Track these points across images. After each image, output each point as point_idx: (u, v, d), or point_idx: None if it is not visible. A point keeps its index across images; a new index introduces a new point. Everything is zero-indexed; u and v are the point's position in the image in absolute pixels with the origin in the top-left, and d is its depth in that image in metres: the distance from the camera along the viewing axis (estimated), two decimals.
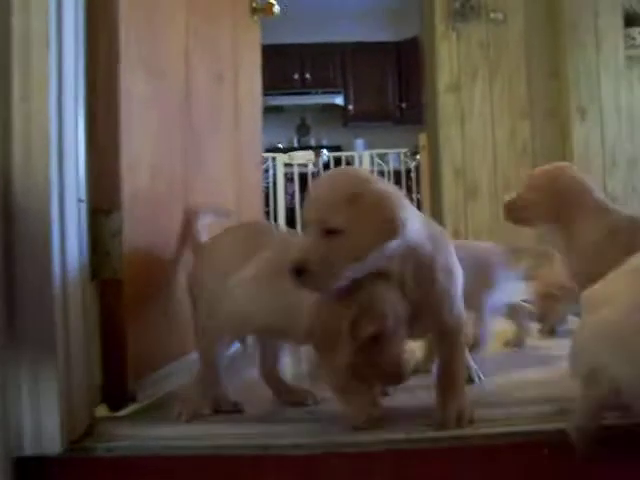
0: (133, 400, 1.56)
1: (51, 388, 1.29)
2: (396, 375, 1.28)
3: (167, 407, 1.57)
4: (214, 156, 2.15)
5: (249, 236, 1.59)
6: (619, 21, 5.31)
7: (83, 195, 1.42)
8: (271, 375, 1.65)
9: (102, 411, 1.50)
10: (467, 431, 1.31)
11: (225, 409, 1.53)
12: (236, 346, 1.76)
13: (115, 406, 1.53)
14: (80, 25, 1.43)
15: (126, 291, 1.53)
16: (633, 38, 5.34)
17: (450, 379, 1.40)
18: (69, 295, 1.35)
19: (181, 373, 1.74)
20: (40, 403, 1.29)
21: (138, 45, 1.64)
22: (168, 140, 1.80)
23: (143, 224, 1.63)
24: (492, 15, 5.39)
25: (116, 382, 1.51)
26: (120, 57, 1.53)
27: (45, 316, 1.29)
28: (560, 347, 1.70)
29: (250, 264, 1.42)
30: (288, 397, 1.61)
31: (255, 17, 2.69)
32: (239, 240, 1.58)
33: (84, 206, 1.43)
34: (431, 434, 1.31)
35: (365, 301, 1.23)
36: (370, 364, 1.26)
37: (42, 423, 1.29)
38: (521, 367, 1.94)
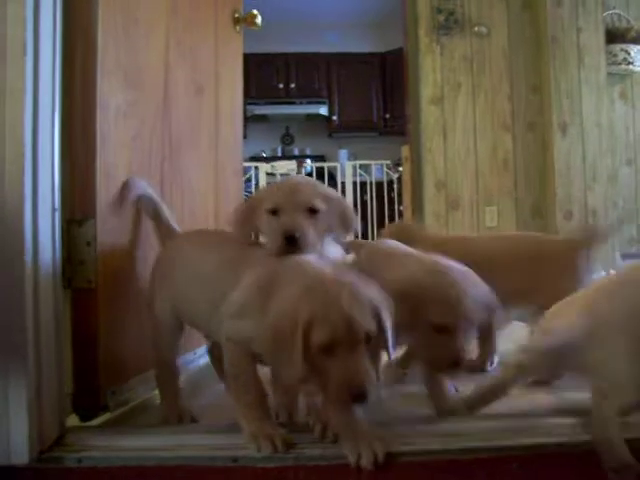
0: (105, 409, 1.56)
1: (20, 396, 1.28)
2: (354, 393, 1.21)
3: (139, 417, 1.57)
4: (193, 166, 2.15)
5: (225, 247, 1.58)
6: (601, 38, 5.36)
7: (57, 204, 1.42)
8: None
9: (73, 420, 1.50)
10: (437, 446, 1.32)
11: None
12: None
13: (86, 416, 1.52)
14: (57, 34, 1.42)
15: (100, 300, 1.53)
16: (615, 55, 5.40)
17: None
18: (41, 303, 1.34)
19: (154, 383, 1.73)
20: (9, 411, 1.28)
21: (116, 54, 1.64)
22: (145, 149, 1.80)
23: (118, 233, 1.63)
24: (476, 29, 5.43)
25: (88, 391, 1.51)
26: (97, 66, 1.53)
27: (16, 324, 1.29)
28: None
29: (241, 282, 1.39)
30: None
31: (238, 27, 2.69)
32: (212, 251, 1.58)
33: (58, 215, 1.42)
34: (403, 448, 1.31)
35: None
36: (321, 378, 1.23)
37: (10, 432, 1.28)
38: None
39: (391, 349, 1.31)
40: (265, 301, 1.29)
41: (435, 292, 1.43)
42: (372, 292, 1.29)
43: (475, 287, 1.47)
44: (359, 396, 1.19)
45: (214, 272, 1.50)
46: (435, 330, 1.42)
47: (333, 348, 1.20)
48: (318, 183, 1.59)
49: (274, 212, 1.47)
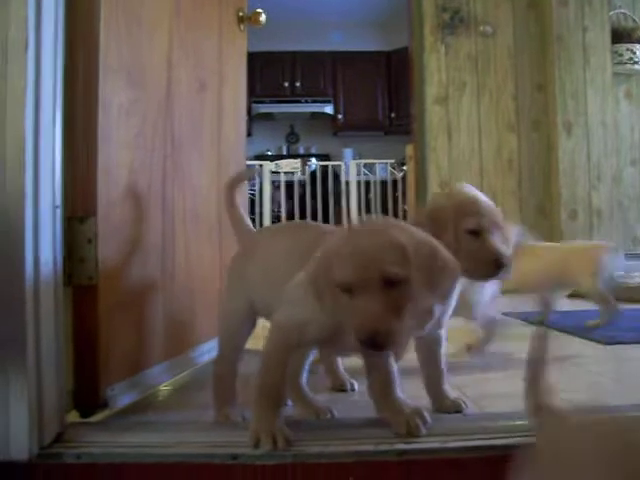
0: (105, 406, 1.56)
1: (21, 392, 1.29)
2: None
3: (139, 414, 1.57)
4: (195, 163, 2.16)
5: (299, 235, 1.57)
6: (607, 37, 5.36)
7: (59, 201, 1.42)
8: (294, 383, 1.65)
9: (73, 417, 1.50)
10: (435, 444, 1.32)
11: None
12: None
13: (86, 412, 1.53)
14: (59, 32, 1.43)
15: (100, 297, 1.53)
16: (620, 54, 5.39)
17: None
18: (41, 300, 1.34)
19: (154, 380, 1.74)
20: (9, 408, 1.29)
21: (119, 53, 1.65)
22: (148, 147, 1.81)
23: (119, 231, 1.63)
24: (481, 28, 5.43)
25: (88, 388, 1.51)
26: (99, 65, 1.53)
27: (16, 320, 1.29)
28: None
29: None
30: (304, 409, 1.62)
31: (242, 26, 2.70)
32: (288, 238, 1.58)
33: (59, 212, 1.42)
34: (399, 446, 1.31)
35: None
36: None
37: (11, 428, 1.29)
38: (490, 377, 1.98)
39: (423, 300, 1.22)
40: None
41: (463, 204, 1.57)
42: (411, 240, 1.22)
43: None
44: (369, 341, 1.15)
45: (284, 263, 1.48)
46: (470, 235, 1.54)
47: (351, 289, 1.18)
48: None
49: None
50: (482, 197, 1.61)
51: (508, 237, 1.63)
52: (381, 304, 1.16)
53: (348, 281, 1.17)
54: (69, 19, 1.46)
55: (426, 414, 1.39)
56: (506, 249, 1.53)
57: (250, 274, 1.59)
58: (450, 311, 1.61)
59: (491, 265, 1.52)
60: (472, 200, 1.58)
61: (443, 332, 1.64)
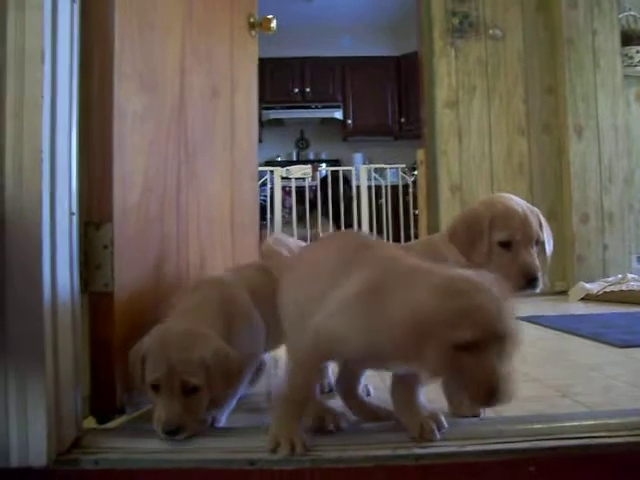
0: (122, 412, 1.57)
1: (39, 399, 1.29)
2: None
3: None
4: (209, 170, 2.16)
5: (345, 249, 1.49)
6: (616, 40, 5.35)
7: (75, 208, 1.43)
8: (349, 392, 1.64)
9: (90, 423, 1.51)
10: (453, 448, 1.32)
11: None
12: None
13: (103, 418, 1.53)
14: (75, 40, 1.43)
15: (116, 304, 1.53)
16: (630, 57, 5.38)
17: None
18: (59, 307, 1.35)
19: None
20: (27, 414, 1.29)
21: (133, 59, 1.65)
22: (162, 154, 1.81)
23: (134, 237, 1.64)
24: (491, 32, 5.43)
25: (105, 394, 1.51)
26: (114, 71, 1.54)
27: (34, 328, 1.30)
28: None
29: (348, 282, 1.34)
30: (363, 415, 1.60)
31: (253, 32, 2.70)
32: (332, 253, 1.50)
33: (76, 219, 1.43)
34: (417, 451, 1.31)
35: None
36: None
37: (29, 434, 1.29)
38: None
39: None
40: (373, 305, 1.26)
41: (496, 212, 1.58)
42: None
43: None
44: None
45: (328, 273, 1.44)
46: (501, 247, 1.56)
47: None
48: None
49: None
50: (520, 208, 1.60)
51: (547, 249, 1.62)
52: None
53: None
54: (84, 26, 1.47)
55: (442, 418, 1.39)
56: (536, 264, 1.53)
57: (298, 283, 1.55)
58: None
59: (520, 279, 1.51)
60: (507, 211, 1.58)
61: None
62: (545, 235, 1.61)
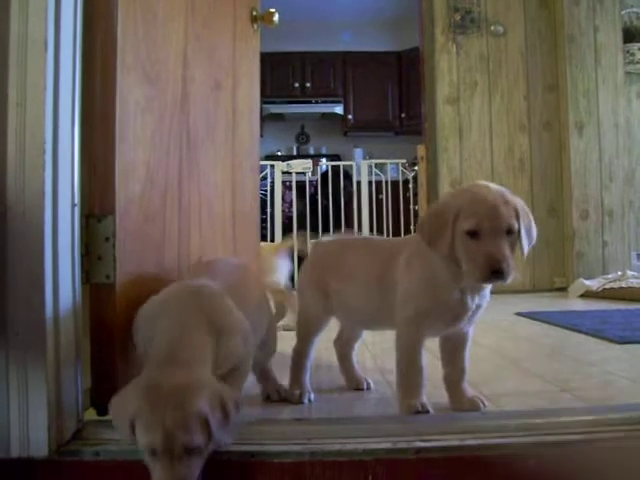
0: None
1: (40, 390, 1.30)
2: None
3: None
4: (210, 162, 2.16)
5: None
6: (618, 37, 5.35)
7: (77, 199, 1.43)
8: (344, 354, 1.97)
9: (91, 415, 1.50)
10: (453, 442, 1.32)
11: None
12: None
13: (104, 410, 1.53)
14: (78, 30, 1.43)
15: (118, 295, 1.53)
16: (632, 54, 5.38)
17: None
18: (60, 298, 1.35)
19: None
20: (28, 405, 1.30)
21: (136, 50, 1.64)
22: (164, 145, 1.80)
23: (136, 229, 1.63)
24: (492, 28, 5.42)
25: (106, 386, 1.51)
26: (117, 62, 1.53)
27: (35, 318, 1.30)
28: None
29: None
30: (348, 377, 1.94)
31: (255, 26, 2.69)
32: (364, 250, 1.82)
33: (78, 210, 1.43)
34: (417, 444, 1.31)
35: None
36: None
37: (30, 425, 1.29)
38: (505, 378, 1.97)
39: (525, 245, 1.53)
40: None
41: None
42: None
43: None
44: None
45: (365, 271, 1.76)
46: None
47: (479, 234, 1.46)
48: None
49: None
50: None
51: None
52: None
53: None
54: (87, 16, 1.47)
55: (484, 398, 1.62)
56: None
57: (329, 280, 1.83)
58: (482, 312, 1.60)
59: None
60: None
61: (471, 331, 1.63)
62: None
